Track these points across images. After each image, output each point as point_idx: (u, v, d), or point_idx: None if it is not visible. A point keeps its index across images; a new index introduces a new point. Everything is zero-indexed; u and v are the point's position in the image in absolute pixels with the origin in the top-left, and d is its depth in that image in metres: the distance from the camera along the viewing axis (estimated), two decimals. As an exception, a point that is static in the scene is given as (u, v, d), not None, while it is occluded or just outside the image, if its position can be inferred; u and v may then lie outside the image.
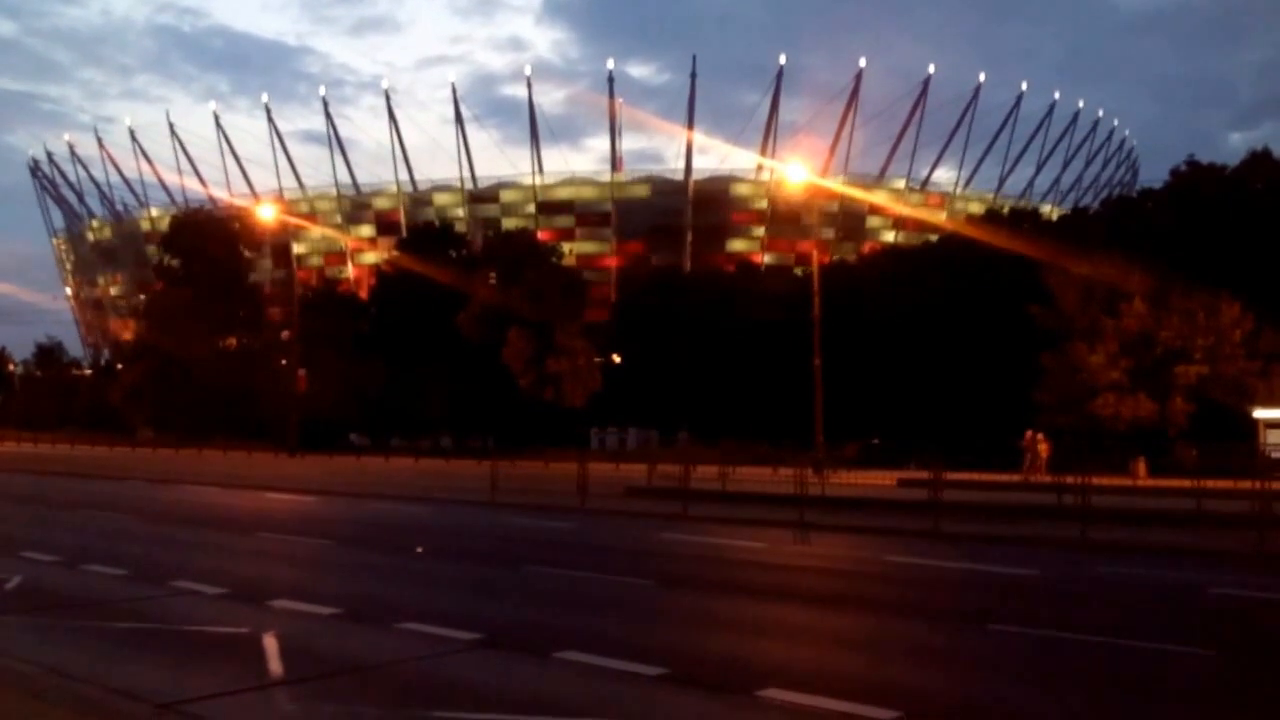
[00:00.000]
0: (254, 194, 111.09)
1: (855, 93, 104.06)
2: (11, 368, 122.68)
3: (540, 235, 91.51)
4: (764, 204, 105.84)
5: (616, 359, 73.90)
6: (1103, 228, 53.42)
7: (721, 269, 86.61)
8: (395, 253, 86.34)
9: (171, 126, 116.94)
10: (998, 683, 9.80)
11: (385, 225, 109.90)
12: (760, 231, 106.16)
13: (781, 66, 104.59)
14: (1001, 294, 52.84)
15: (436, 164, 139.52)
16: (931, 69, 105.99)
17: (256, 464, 55.81)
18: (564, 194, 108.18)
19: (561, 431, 64.54)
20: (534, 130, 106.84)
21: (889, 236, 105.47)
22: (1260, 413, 43.37)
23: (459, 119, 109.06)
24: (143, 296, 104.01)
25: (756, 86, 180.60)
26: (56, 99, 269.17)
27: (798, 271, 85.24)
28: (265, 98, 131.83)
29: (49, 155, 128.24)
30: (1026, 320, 48.04)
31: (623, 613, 13.11)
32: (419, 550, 20.38)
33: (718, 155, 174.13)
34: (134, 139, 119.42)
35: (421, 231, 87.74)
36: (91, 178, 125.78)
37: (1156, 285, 44.67)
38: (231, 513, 27.80)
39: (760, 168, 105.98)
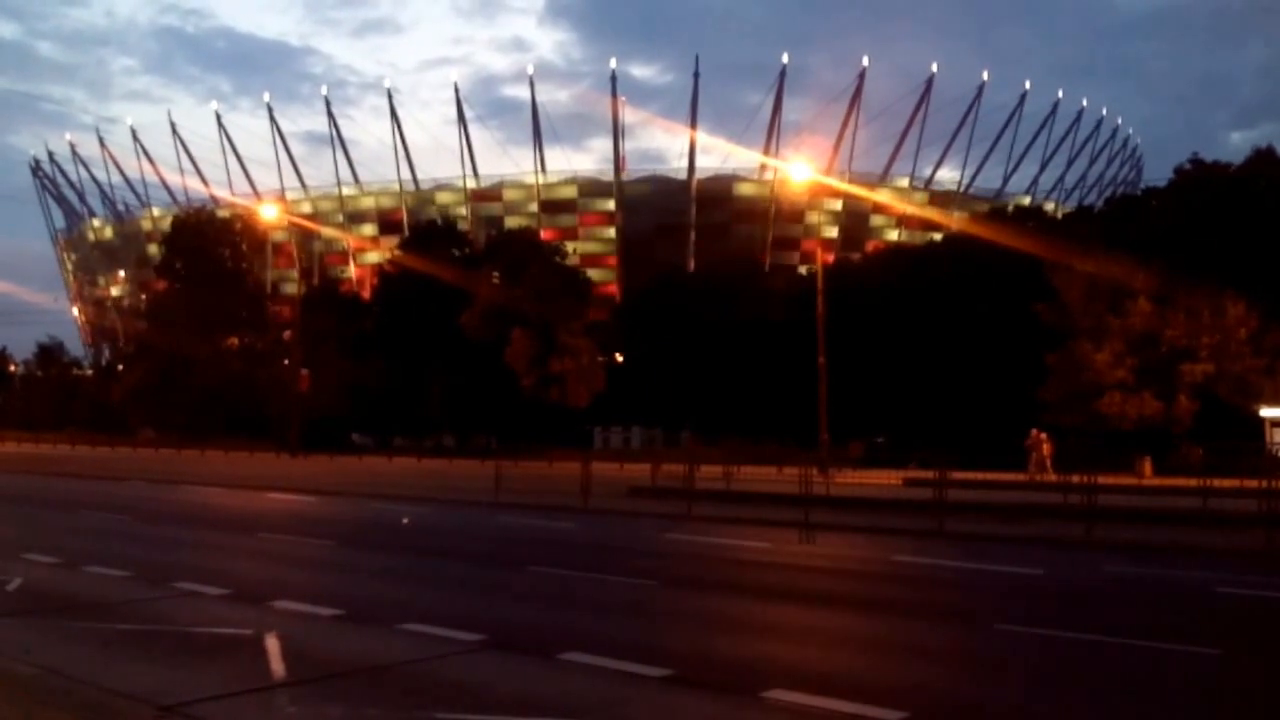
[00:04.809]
0: (256, 194, 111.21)
1: (858, 92, 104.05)
2: (12, 368, 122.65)
3: (543, 234, 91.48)
4: (767, 203, 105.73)
5: (620, 358, 73.84)
6: (1107, 226, 53.31)
7: (725, 268, 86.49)
8: (398, 252, 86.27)
9: (173, 126, 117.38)
10: (1004, 683, 9.72)
11: (387, 224, 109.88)
12: (764, 231, 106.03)
13: (784, 66, 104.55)
14: (1006, 293, 52.79)
15: (439, 164, 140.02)
16: (934, 68, 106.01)
17: (258, 464, 55.78)
18: (567, 193, 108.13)
19: (565, 431, 64.51)
20: (536, 130, 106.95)
21: (893, 235, 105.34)
22: (1266, 411, 43.28)
23: (461, 119, 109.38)
24: (144, 296, 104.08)
25: (759, 86, 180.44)
26: (59, 100, 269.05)
27: (801, 270, 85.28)
28: (267, 97, 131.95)
29: (50, 155, 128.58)
30: (1031, 319, 47.95)
31: (627, 614, 13.03)
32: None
33: (721, 155, 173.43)
34: (136, 139, 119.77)
35: (424, 230, 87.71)
36: (93, 177, 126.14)
37: (1161, 284, 44.55)
38: (233, 513, 27.77)
39: (763, 167, 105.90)
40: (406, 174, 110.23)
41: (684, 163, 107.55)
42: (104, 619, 11.76)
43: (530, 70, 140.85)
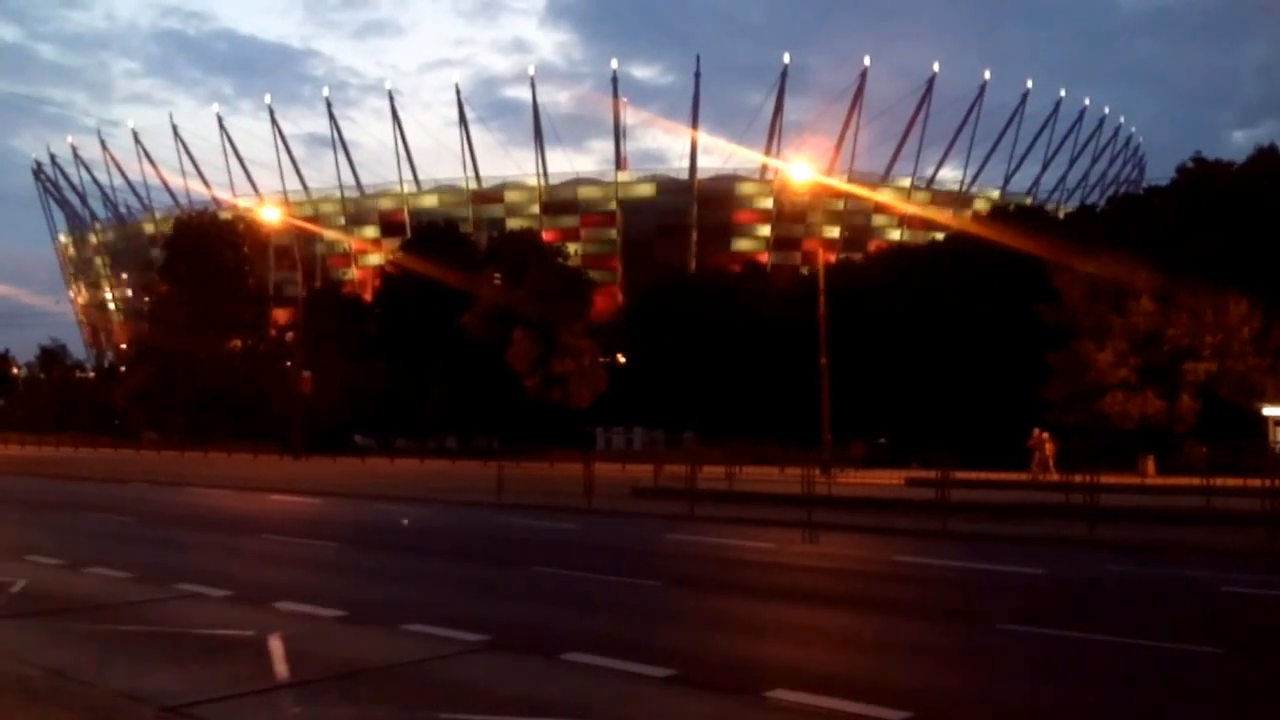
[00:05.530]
0: (258, 196, 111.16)
1: (860, 92, 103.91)
2: (15, 371, 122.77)
3: (545, 235, 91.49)
4: (769, 203, 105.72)
5: (622, 359, 73.83)
6: (1109, 225, 53.24)
7: (727, 269, 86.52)
8: (399, 253, 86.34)
9: (175, 129, 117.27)
10: (1007, 682, 9.70)
11: (389, 226, 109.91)
12: (765, 231, 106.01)
13: (785, 66, 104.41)
14: (1008, 293, 52.75)
15: (440, 165, 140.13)
16: (936, 68, 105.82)
17: (261, 466, 55.79)
18: (568, 194, 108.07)
19: (567, 432, 64.48)
20: (538, 131, 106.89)
21: (895, 235, 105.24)
22: (1269, 410, 43.22)
23: (463, 120, 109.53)
24: (146, 299, 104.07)
25: (761, 86, 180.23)
26: (61, 103, 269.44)
27: (803, 271, 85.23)
28: (269, 99, 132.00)
29: (52, 158, 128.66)
30: (1033, 319, 47.93)
31: (630, 614, 13.02)
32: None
33: (722, 155, 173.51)
34: (137, 141, 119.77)
35: (426, 232, 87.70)
36: (95, 180, 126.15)
37: (1164, 283, 44.51)
38: (236, 515, 27.77)
39: (765, 167, 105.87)
40: (408, 175, 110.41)
41: (685, 163, 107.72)
42: (107, 621, 11.77)
43: (531, 71, 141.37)
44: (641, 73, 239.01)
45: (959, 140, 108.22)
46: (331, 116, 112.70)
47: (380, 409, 74.91)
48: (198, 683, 8.79)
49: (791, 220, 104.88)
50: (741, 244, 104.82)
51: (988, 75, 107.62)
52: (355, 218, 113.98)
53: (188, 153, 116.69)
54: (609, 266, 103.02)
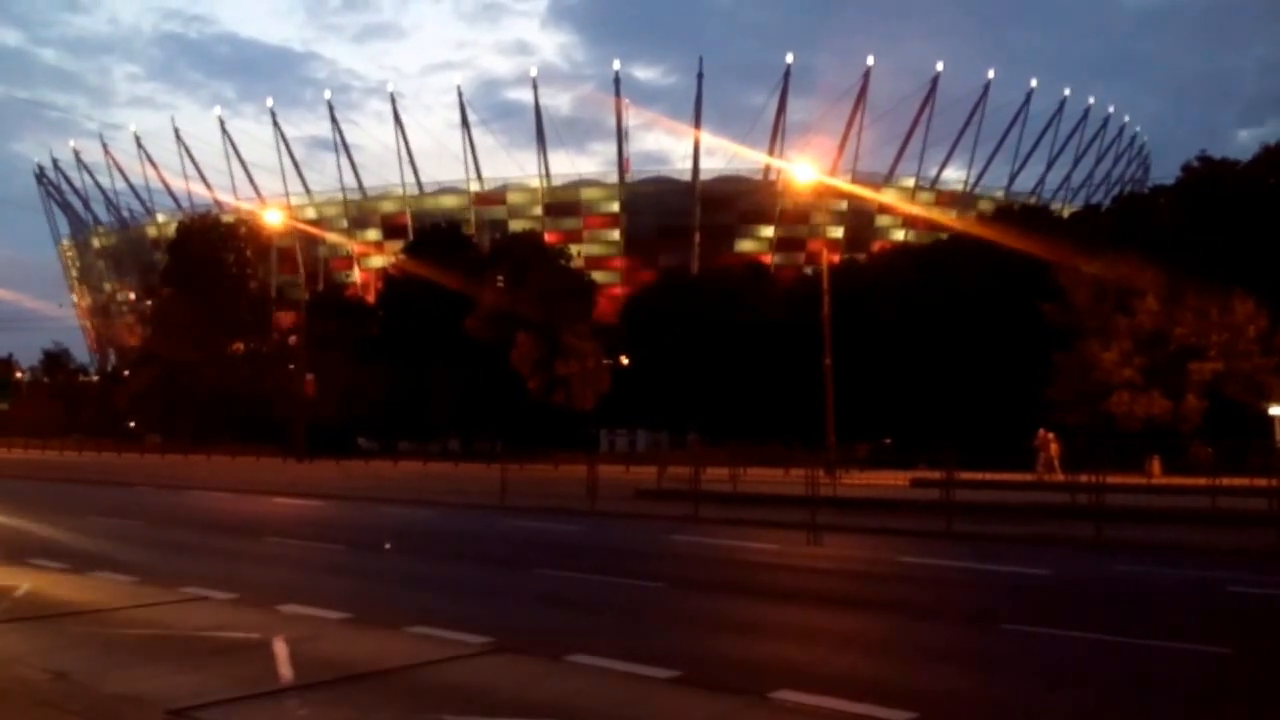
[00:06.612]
0: (260, 199, 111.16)
1: (863, 92, 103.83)
2: (19, 375, 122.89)
3: (548, 237, 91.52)
4: (772, 204, 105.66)
5: (625, 361, 73.79)
6: (1114, 225, 53.14)
7: (730, 270, 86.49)
8: (402, 256, 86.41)
9: (177, 132, 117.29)
10: (1013, 682, 9.68)
11: (392, 229, 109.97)
12: (769, 232, 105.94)
13: (788, 66, 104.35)
14: (1013, 292, 52.65)
15: (443, 167, 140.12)
16: (940, 67, 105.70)
17: (265, 469, 55.82)
18: (571, 195, 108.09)
19: (570, 434, 64.46)
20: (540, 132, 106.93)
21: (899, 235, 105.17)
22: (1276, 409, 43.13)
23: (465, 122, 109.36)
24: (149, 302, 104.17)
25: (764, 87, 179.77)
26: (63, 107, 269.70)
27: (807, 271, 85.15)
28: (271, 103, 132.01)
29: (55, 162, 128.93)
30: (1038, 319, 47.84)
31: (634, 616, 13.00)
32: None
33: (725, 156, 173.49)
34: (140, 145, 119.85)
35: (428, 234, 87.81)
36: (97, 184, 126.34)
37: (1169, 282, 44.38)
38: (240, 518, 27.78)
39: (768, 168, 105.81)
40: (410, 178, 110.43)
41: (688, 164, 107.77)
42: (112, 624, 11.74)
43: (533, 73, 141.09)
44: (644, 74, 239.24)
45: (963, 140, 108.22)
46: (333, 119, 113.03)
47: (383, 411, 74.94)
48: (203, 685, 8.77)
49: (795, 221, 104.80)
50: (744, 245, 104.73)
51: (991, 74, 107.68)
52: (358, 220, 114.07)
53: (190, 156, 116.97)
54: (612, 268, 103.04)
